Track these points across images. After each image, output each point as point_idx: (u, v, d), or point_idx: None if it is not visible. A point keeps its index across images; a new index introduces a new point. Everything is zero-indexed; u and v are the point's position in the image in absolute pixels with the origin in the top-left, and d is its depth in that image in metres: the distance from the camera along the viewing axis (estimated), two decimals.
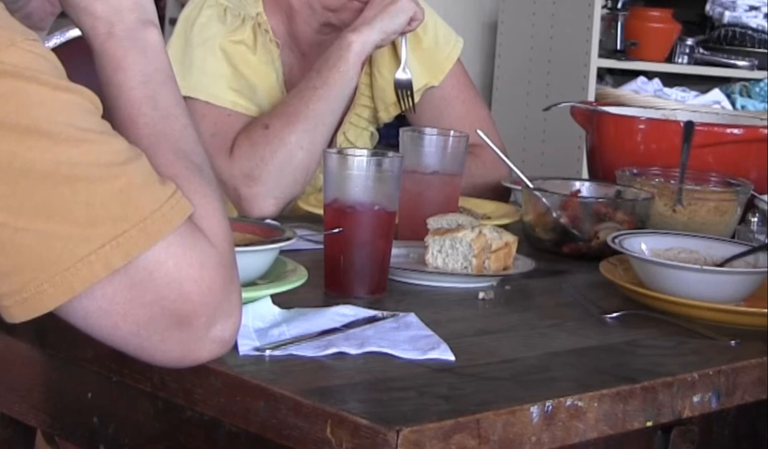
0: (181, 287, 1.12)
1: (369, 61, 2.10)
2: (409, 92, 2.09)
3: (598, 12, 3.97)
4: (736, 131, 2.05)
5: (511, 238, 1.62)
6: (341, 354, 1.25)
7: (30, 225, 1.07)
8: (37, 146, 1.07)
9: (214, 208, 1.19)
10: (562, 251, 1.77)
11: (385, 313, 1.38)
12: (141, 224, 1.10)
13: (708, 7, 4.31)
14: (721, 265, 1.57)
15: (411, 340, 1.30)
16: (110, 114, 1.22)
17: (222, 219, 1.18)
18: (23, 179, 1.07)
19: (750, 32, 4.21)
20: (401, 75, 2.09)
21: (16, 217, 1.07)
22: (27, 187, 1.07)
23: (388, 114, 2.19)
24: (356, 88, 2.05)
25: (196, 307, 1.12)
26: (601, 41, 4.02)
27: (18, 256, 1.08)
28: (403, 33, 2.03)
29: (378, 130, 2.25)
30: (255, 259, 1.38)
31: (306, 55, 2.13)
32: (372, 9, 2.00)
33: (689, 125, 2.01)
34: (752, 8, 4.21)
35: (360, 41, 1.97)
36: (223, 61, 2.01)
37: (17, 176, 1.07)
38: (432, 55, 2.14)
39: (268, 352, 1.23)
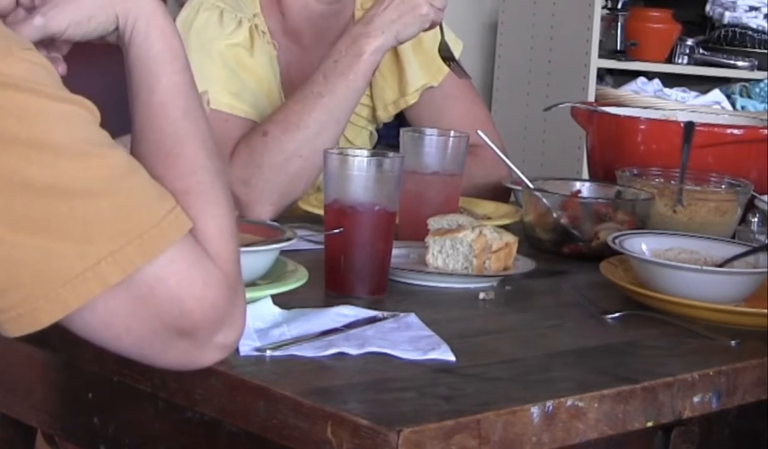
0: (182, 305, 1.11)
1: None
2: (451, 61, 2.04)
3: (598, 12, 3.97)
4: (736, 131, 2.05)
5: (511, 238, 1.62)
6: (342, 354, 1.25)
7: (27, 241, 1.06)
8: (37, 160, 1.06)
9: (221, 228, 1.17)
10: (563, 252, 1.77)
11: (386, 313, 1.38)
12: (138, 239, 1.09)
13: (708, 7, 4.30)
14: (721, 265, 1.57)
15: (411, 340, 1.30)
16: (143, 105, 1.22)
17: (229, 240, 1.17)
18: (22, 193, 1.06)
19: (750, 33, 4.20)
20: (441, 43, 2.03)
21: (13, 232, 1.06)
22: (25, 201, 1.06)
23: (386, 113, 2.19)
24: None
25: (198, 322, 1.12)
26: (601, 41, 4.02)
27: (14, 272, 1.07)
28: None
29: (377, 130, 2.25)
30: (255, 259, 1.38)
31: (305, 49, 2.11)
32: (390, 11, 1.91)
33: (689, 125, 2.01)
34: (752, 9, 4.21)
35: (372, 50, 1.91)
36: (220, 65, 1.99)
37: (16, 190, 1.06)
38: (432, 56, 2.13)
39: (268, 352, 1.23)
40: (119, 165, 1.11)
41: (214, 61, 1.99)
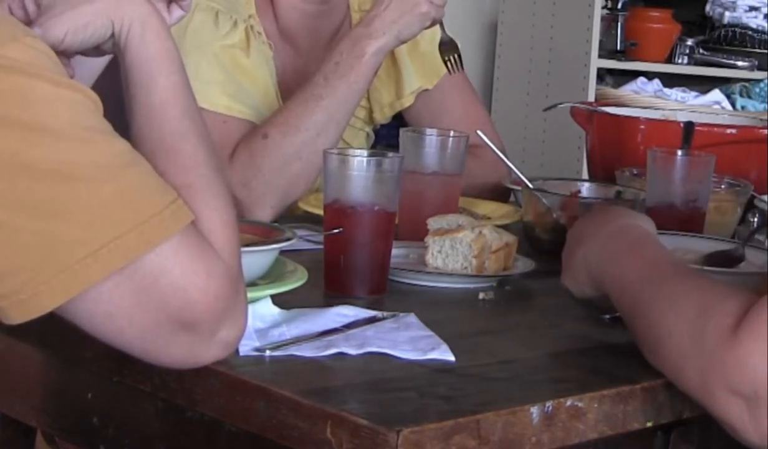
0: (187, 295, 1.12)
1: None
2: (455, 55, 2.04)
3: (598, 12, 3.97)
4: (735, 131, 2.05)
5: (511, 238, 1.62)
6: (341, 354, 1.25)
7: (29, 225, 1.07)
8: (40, 144, 1.07)
9: (224, 221, 1.18)
10: (562, 252, 1.77)
11: (385, 313, 1.38)
12: (140, 227, 1.10)
13: (708, 7, 4.31)
14: (703, 262, 1.57)
15: (411, 340, 1.30)
16: (142, 106, 1.22)
17: (231, 233, 1.18)
18: (24, 177, 1.07)
19: (750, 33, 4.20)
20: (444, 37, 2.02)
21: (15, 216, 1.07)
22: (27, 185, 1.07)
23: (383, 115, 2.19)
24: None
25: (202, 314, 1.12)
26: (601, 42, 4.02)
27: (16, 256, 1.08)
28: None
29: (374, 130, 2.25)
30: (255, 259, 1.38)
31: (299, 50, 2.11)
32: (391, 11, 1.90)
33: (689, 125, 2.01)
34: (752, 9, 4.21)
35: (373, 51, 1.90)
36: (217, 67, 1.99)
37: (18, 174, 1.07)
38: (428, 60, 2.13)
39: (268, 352, 1.24)
40: (121, 154, 1.12)
41: (210, 62, 1.99)
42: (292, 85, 2.05)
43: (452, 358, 1.26)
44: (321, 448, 1.09)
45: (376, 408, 1.11)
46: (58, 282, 1.08)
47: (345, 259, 1.49)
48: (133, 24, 1.24)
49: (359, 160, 1.50)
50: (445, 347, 1.28)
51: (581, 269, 1.40)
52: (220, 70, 1.99)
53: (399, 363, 1.24)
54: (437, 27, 1.99)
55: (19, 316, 1.10)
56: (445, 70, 2.10)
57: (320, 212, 1.57)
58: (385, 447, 1.05)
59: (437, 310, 1.46)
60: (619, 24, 4.12)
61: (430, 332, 1.33)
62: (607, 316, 1.45)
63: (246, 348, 1.23)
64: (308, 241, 1.65)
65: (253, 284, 1.38)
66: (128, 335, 1.13)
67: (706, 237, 1.67)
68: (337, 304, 1.40)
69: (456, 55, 2.03)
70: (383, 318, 1.37)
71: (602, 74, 4.10)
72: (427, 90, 2.16)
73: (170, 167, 1.19)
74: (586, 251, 1.40)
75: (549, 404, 1.15)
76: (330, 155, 1.51)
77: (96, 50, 1.29)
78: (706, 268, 1.54)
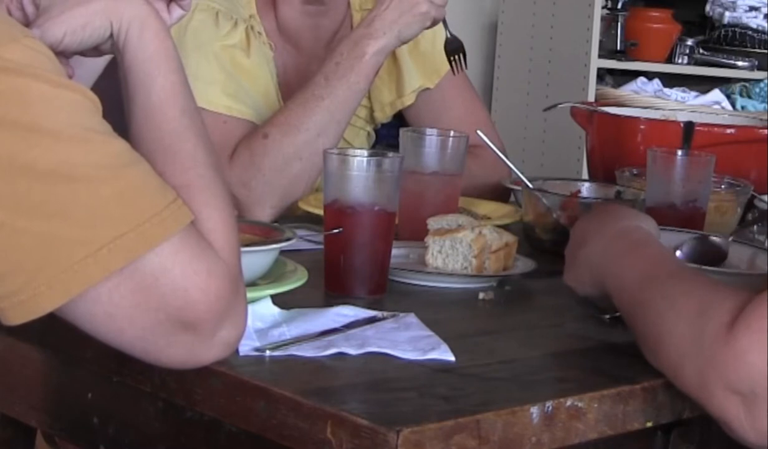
0: (187, 295, 1.12)
1: None
2: (459, 54, 2.03)
3: (598, 12, 3.97)
4: (735, 131, 2.05)
5: (511, 238, 1.62)
6: (341, 354, 1.25)
7: (28, 226, 1.07)
8: (38, 145, 1.07)
9: (224, 221, 1.18)
10: (562, 252, 1.77)
11: (385, 313, 1.38)
12: (140, 227, 1.09)
13: (708, 7, 4.31)
14: (688, 249, 1.58)
15: (411, 340, 1.30)
16: (141, 107, 1.22)
17: (231, 233, 1.18)
18: (23, 178, 1.07)
19: (750, 33, 4.21)
20: (449, 36, 2.02)
21: (14, 217, 1.07)
22: (26, 186, 1.07)
23: (384, 114, 2.19)
24: None
25: (203, 314, 1.12)
26: (601, 42, 4.02)
27: (15, 257, 1.08)
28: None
29: (375, 130, 2.25)
30: (255, 259, 1.38)
31: (300, 48, 2.11)
32: (391, 11, 1.91)
33: (689, 125, 2.01)
34: (752, 9, 4.21)
35: (374, 51, 1.91)
36: (217, 67, 1.99)
37: (17, 175, 1.07)
38: (429, 58, 2.13)
39: (268, 352, 1.24)
40: (121, 154, 1.12)
41: (211, 62, 1.99)
42: (292, 85, 2.05)
43: (452, 358, 1.26)
44: (321, 448, 1.09)
45: (376, 408, 1.11)
46: (58, 283, 1.08)
47: (345, 259, 1.49)
48: (132, 24, 1.24)
49: (359, 160, 1.50)
50: (445, 347, 1.28)
51: (584, 269, 1.41)
52: (220, 70, 1.99)
53: (399, 363, 1.24)
54: (440, 26, 1.99)
55: (18, 317, 1.10)
56: (445, 69, 2.11)
57: (320, 212, 1.57)
58: (385, 447, 1.05)
59: (437, 310, 1.46)
60: (619, 24, 4.12)
61: (430, 332, 1.33)
62: (607, 316, 1.45)
63: (246, 348, 1.23)
64: (308, 241, 1.65)
65: (253, 284, 1.38)
66: (128, 335, 1.13)
67: None
68: (337, 304, 1.40)
69: (460, 55, 2.03)
70: (383, 318, 1.37)
71: (602, 74, 4.10)
72: (428, 89, 2.16)
73: (169, 166, 1.19)
74: (588, 251, 1.40)
75: (549, 404, 1.15)
76: (330, 155, 1.51)
77: (95, 51, 1.29)
78: (705, 268, 1.54)
